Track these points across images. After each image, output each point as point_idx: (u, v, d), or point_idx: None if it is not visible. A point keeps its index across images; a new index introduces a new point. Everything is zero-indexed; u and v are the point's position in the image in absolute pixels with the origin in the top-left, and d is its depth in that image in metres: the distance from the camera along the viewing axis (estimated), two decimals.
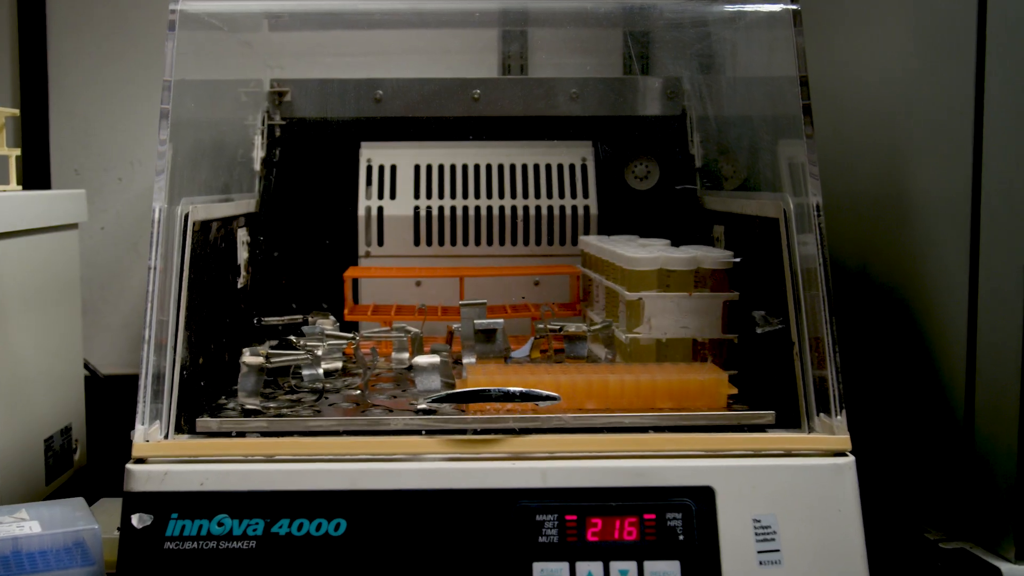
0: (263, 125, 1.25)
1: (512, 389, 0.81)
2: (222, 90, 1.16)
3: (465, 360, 0.99)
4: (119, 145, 1.46)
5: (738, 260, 0.97)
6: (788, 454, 0.81)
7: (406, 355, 1.06)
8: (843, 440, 0.81)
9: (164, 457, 0.80)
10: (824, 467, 0.80)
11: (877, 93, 1.04)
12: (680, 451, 0.81)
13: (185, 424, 0.85)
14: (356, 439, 0.81)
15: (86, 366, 1.32)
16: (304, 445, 0.80)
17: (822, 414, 0.83)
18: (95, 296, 1.46)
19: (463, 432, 0.82)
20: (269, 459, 0.80)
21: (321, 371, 0.97)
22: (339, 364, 1.06)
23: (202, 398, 0.92)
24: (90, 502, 1.09)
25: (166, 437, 0.82)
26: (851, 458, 0.80)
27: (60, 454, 1.16)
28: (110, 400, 1.35)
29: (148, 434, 0.81)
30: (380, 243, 1.27)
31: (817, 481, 0.79)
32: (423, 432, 0.82)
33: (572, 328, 1.01)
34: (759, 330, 0.90)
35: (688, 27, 1.17)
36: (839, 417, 0.82)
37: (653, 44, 1.39)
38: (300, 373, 0.97)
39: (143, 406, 0.81)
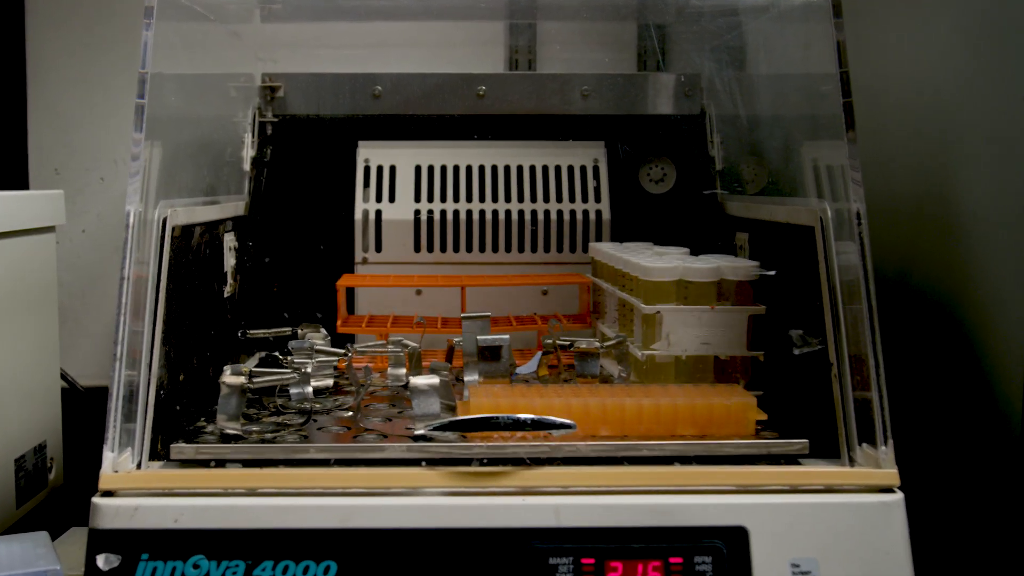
0: (253, 122, 1.20)
1: (523, 417, 0.74)
2: (209, 84, 1.10)
3: (467, 378, 0.92)
4: (102, 143, 1.39)
5: (772, 273, 0.89)
6: (829, 490, 0.74)
7: (403, 370, 1.00)
8: (890, 475, 0.73)
9: (135, 490, 0.72)
10: (870, 505, 0.72)
11: (920, 90, 0.98)
12: (709, 486, 0.73)
13: (162, 449, 0.78)
14: (348, 471, 0.74)
15: (64, 378, 1.25)
16: (290, 477, 0.73)
17: (865, 444, 0.75)
18: (75, 303, 1.40)
19: (467, 462, 0.74)
20: (251, 493, 0.72)
21: (310, 390, 0.91)
22: (330, 382, 0.99)
23: (182, 419, 0.84)
24: (63, 528, 1.03)
25: (139, 466, 0.75)
26: (899, 495, 0.73)
27: (33, 474, 1.09)
28: (90, 414, 1.27)
29: (117, 463, 0.73)
30: (378, 249, 1.21)
31: (862, 521, 0.72)
32: (422, 463, 0.74)
33: (583, 344, 0.94)
34: (797, 351, 0.82)
35: (709, 19, 1.11)
36: (885, 448, 0.74)
37: (670, 38, 1.33)
38: (287, 392, 0.90)
39: (113, 432, 0.74)
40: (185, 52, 0.96)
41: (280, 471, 0.73)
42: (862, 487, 0.73)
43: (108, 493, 0.72)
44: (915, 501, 0.75)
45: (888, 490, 0.73)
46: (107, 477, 0.72)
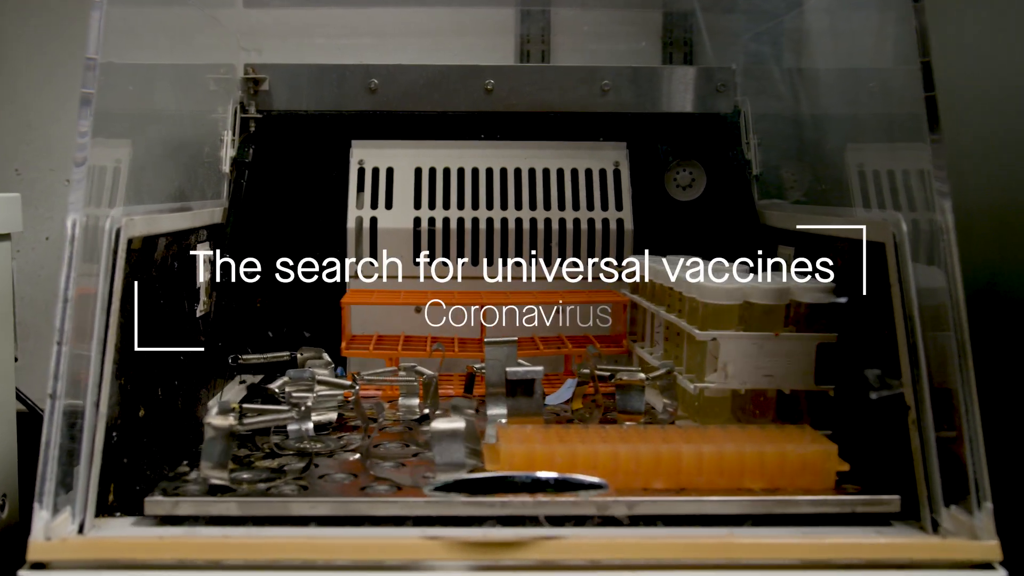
0: (234, 118, 1.12)
1: (543, 476, 0.63)
2: (183, 76, 1.01)
3: (491, 412, 0.83)
4: (68, 140, 1.32)
5: (844, 300, 0.78)
6: (912, 565, 0.62)
7: (416, 401, 0.92)
8: (990, 547, 0.61)
9: (72, 561, 0.61)
10: None
11: (1003, 85, 0.86)
12: (770, 560, 0.61)
13: (115, 501, 0.67)
14: (332, 539, 0.62)
15: (23, 401, 1.15)
16: (262, 547, 0.61)
17: (954, 507, 0.63)
18: (37, 318, 1.31)
19: (479, 521, 0.64)
20: (214, 566, 0.60)
21: (310, 427, 0.82)
22: (333, 415, 0.90)
23: (144, 460, 0.74)
24: None
25: (81, 529, 0.63)
26: (1002, 573, 0.61)
27: None
28: None
29: (52, 528, 0.61)
30: (373, 261, 1.13)
31: None
32: (412, 522, 0.63)
33: (626, 376, 0.83)
34: (874, 394, 0.70)
35: (748, 4, 1.01)
36: (981, 513, 0.62)
37: (700, 27, 1.28)
38: (284, 428, 0.82)
39: (48, 486, 0.63)
40: (154, 38, 0.89)
41: (251, 539, 0.62)
42: (954, 562, 0.62)
43: (39, 565, 0.60)
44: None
45: (987, 566, 0.61)
46: (37, 546, 0.60)
